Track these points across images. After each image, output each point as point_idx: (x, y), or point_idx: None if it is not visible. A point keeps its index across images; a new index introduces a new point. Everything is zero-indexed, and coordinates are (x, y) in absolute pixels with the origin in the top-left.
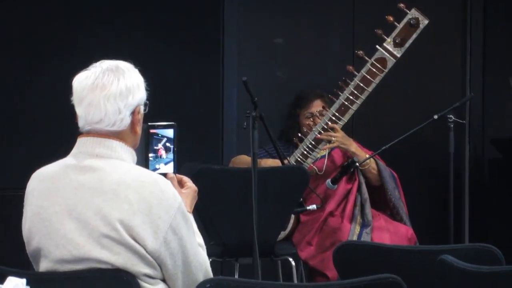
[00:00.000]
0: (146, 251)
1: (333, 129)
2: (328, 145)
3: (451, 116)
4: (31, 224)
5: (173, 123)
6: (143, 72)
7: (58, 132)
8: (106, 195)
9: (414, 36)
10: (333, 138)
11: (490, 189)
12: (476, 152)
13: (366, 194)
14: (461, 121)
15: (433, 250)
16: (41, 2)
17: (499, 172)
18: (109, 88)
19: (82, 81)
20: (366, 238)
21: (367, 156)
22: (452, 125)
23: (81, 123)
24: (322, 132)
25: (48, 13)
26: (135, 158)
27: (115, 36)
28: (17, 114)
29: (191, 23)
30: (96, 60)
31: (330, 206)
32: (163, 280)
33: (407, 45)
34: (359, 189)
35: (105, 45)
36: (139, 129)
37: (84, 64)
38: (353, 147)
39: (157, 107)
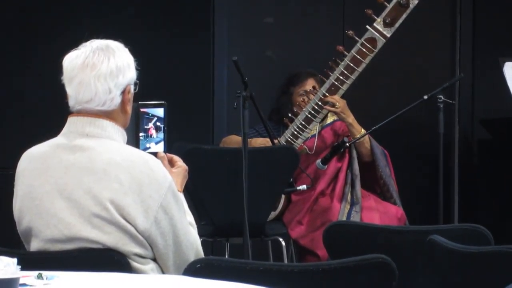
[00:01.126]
0: (137, 231)
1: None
2: (332, 108)
3: (440, 96)
4: (21, 204)
5: (163, 102)
6: (133, 52)
7: (49, 112)
8: (97, 174)
9: (404, 16)
10: (337, 103)
11: (480, 170)
12: (465, 132)
13: (357, 171)
14: (451, 102)
15: (422, 230)
16: None
17: (489, 153)
18: (100, 67)
19: (72, 60)
20: (355, 217)
21: (363, 131)
22: (441, 106)
23: (71, 102)
24: (312, 111)
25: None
26: (125, 137)
27: (105, 15)
28: (8, 94)
29: (182, 2)
30: (86, 40)
31: (321, 185)
32: (154, 260)
33: (397, 25)
34: (350, 166)
35: (95, 24)
36: (129, 109)
37: (74, 44)
38: (351, 118)
39: (147, 86)
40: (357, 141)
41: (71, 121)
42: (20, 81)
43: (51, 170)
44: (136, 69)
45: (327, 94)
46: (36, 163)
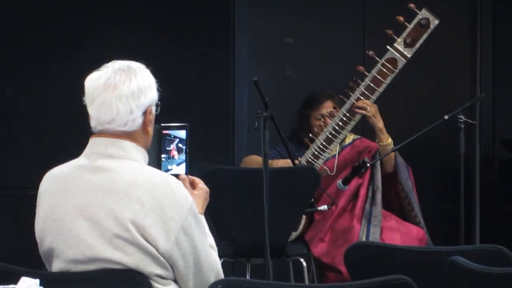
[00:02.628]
0: (158, 252)
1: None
2: (363, 111)
3: (461, 116)
4: (43, 225)
5: (185, 124)
6: (154, 73)
7: (70, 132)
8: (118, 195)
9: (425, 36)
10: (368, 108)
11: (501, 190)
12: (486, 152)
13: (379, 182)
14: (472, 122)
15: (443, 251)
16: (51, 4)
17: (510, 173)
18: (121, 88)
19: (94, 81)
20: (375, 231)
21: (390, 139)
22: (462, 126)
23: (93, 123)
24: (333, 132)
25: (58, 14)
26: (147, 158)
27: (126, 36)
28: (29, 114)
29: (202, 23)
30: (107, 61)
31: (341, 202)
32: (175, 281)
33: (417, 45)
34: (371, 178)
35: (116, 45)
36: (150, 130)
37: (95, 64)
38: (381, 123)
39: (168, 107)
40: (383, 148)
41: (93, 142)
42: (41, 101)
43: (73, 191)
44: (158, 90)
45: (347, 115)
46: (58, 184)
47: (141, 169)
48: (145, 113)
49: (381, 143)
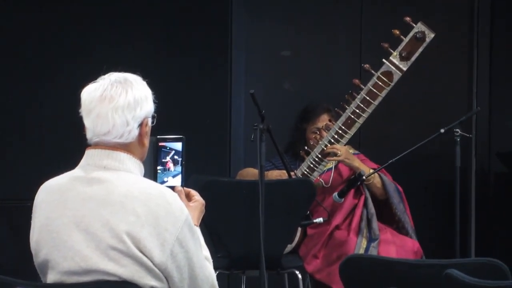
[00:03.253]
0: (153, 264)
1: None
2: (335, 158)
3: (457, 130)
4: (39, 236)
5: (181, 136)
6: (151, 84)
7: (66, 144)
8: (114, 207)
9: (421, 49)
10: (339, 152)
11: (496, 203)
12: (482, 166)
13: (372, 209)
14: (468, 135)
15: (439, 264)
16: (47, 16)
17: (505, 186)
18: (117, 100)
19: (90, 93)
20: (373, 252)
21: (371, 170)
22: (458, 139)
23: (89, 134)
24: (329, 145)
25: (56, 27)
26: (143, 170)
27: (122, 48)
28: (26, 125)
29: (200, 35)
30: (104, 73)
31: (337, 219)
32: None
33: (413, 58)
34: (365, 204)
35: (113, 57)
36: (146, 142)
37: (91, 76)
38: (357, 162)
39: (165, 119)
40: (367, 183)
41: (88, 153)
42: (38, 113)
43: (69, 202)
44: (154, 102)
45: (343, 127)
46: (53, 195)
47: (136, 181)
48: (141, 125)
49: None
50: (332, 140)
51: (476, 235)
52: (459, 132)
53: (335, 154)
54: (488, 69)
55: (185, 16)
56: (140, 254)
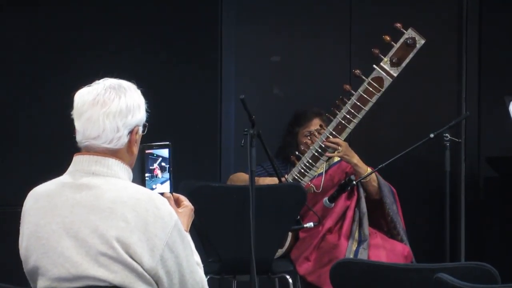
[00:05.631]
0: (143, 269)
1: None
2: (334, 154)
3: (447, 134)
4: (28, 243)
5: (168, 143)
6: (141, 90)
7: (56, 149)
8: (103, 213)
9: (411, 55)
10: (339, 147)
11: (486, 207)
12: (471, 170)
13: (364, 209)
14: (457, 140)
15: (429, 268)
16: (40, 20)
17: (495, 191)
18: (110, 105)
19: (83, 96)
20: (363, 254)
21: (368, 169)
22: (448, 144)
23: (78, 137)
24: (319, 150)
25: (46, 31)
26: (131, 176)
27: (112, 54)
28: (16, 131)
29: (189, 41)
30: (92, 79)
31: (329, 222)
32: None
33: (403, 64)
34: (358, 204)
35: (103, 63)
36: (135, 150)
37: (82, 82)
38: (355, 159)
39: (154, 124)
40: (364, 179)
41: (76, 160)
42: (29, 118)
43: (58, 208)
44: (147, 111)
45: (334, 133)
46: (42, 202)
47: (125, 186)
48: (131, 133)
49: (360, 177)
50: (323, 145)
51: (466, 239)
52: (449, 137)
53: (335, 149)
54: (477, 74)
55: (174, 21)
56: (130, 260)
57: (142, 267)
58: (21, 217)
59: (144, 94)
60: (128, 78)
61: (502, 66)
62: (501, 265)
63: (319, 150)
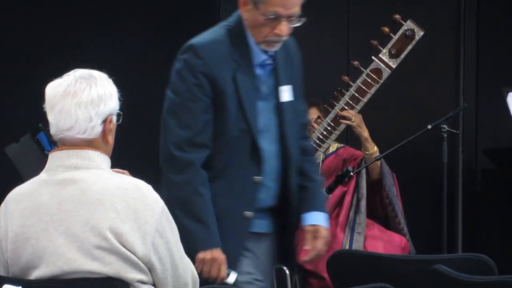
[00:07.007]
0: (137, 257)
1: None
2: (348, 122)
3: (444, 126)
4: (14, 245)
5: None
6: (137, 83)
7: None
8: (92, 205)
9: (410, 47)
10: (352, 118)
11: (483, 199)
12: (469, 162)
13: (363, 190)
14: (455, 131)
15: (426, 259)
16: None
17: (492, 182)
18: (81, 95)
19: (54, 88)
20: (358, 238)
21: (375, 148)
22: (445, 135)
23: (52, 130)
24: (317, 141)
25: (38, 23)
26: (110, 165)
27: (107, 44)
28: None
29: (186, 32)
30: (71, 69)
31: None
32: (154, 285)
33: (402, 56)
34: (357, 185)
35: (96, 54)
36: (110, 139)
37: (55, 75)
38: (366, 133)
39: (152, 117)
40: (367, 156)
41: (54, 156)
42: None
43: (44, 207)
44: (119, 100)
45: (332, 124)
46: (26, 203)
47: (110, 177)
48: (104, 122)
49: (367, 152)
50: (321, 137)
51: (463, 231)
52: (446, 128)
53: (350, 119)
54: (475, 66)
55: (171, 11)
56: (123, 249)
57: (135, 255)
58: (0, 220)
59: (142, 86)
60: (127, 71)
61: (500, 58)
62: (498, 257)
63: (317, 141)
